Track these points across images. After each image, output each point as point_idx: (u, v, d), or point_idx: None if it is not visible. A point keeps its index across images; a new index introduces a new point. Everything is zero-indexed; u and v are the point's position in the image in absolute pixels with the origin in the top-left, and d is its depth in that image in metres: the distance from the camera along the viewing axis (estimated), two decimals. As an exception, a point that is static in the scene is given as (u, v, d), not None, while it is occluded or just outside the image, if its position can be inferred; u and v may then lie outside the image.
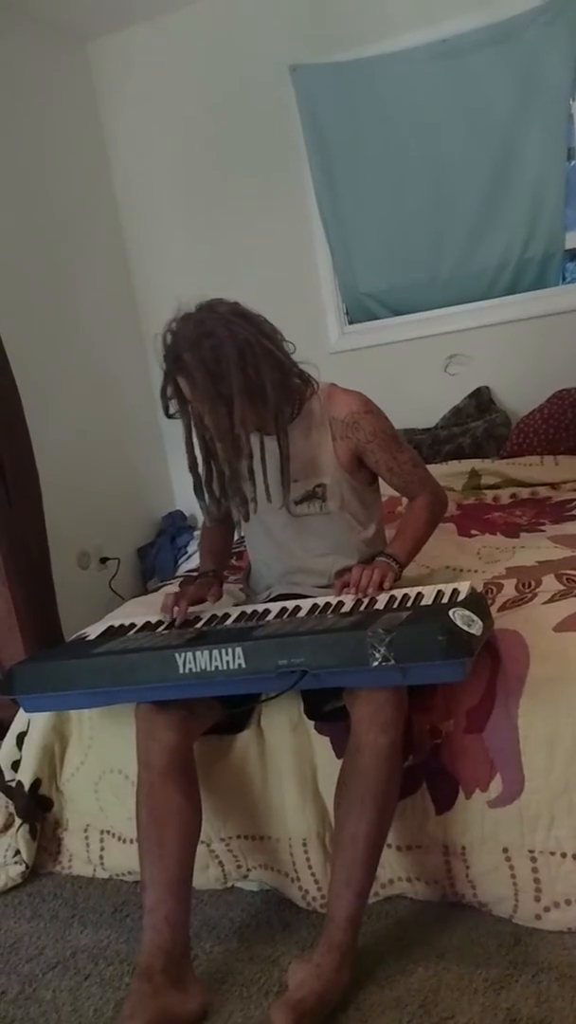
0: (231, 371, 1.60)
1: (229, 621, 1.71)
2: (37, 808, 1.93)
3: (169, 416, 1.70)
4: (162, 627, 1.75)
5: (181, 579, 2.33)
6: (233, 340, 1.61)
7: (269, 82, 3.44)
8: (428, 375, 3.50)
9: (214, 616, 1.75)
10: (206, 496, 1.78)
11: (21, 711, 1.97)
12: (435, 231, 3.42)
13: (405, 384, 3.35)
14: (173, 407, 1.69)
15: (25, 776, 1.93)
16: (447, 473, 2.93)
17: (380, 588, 1.65)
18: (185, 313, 1.66)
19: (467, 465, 3.06)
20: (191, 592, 1.81)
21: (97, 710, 1.85)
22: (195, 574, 2.00)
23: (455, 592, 1.60)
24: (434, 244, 3.43)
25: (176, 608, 1.76)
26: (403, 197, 3.42)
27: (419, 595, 1.62)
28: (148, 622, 1.80)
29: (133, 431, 3.87)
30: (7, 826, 2.02)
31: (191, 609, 1.78)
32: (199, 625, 1.72)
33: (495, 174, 3.29)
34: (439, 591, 1.62)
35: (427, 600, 1.59)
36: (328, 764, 1.67)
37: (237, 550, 2.58)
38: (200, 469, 1.74)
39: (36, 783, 1.92)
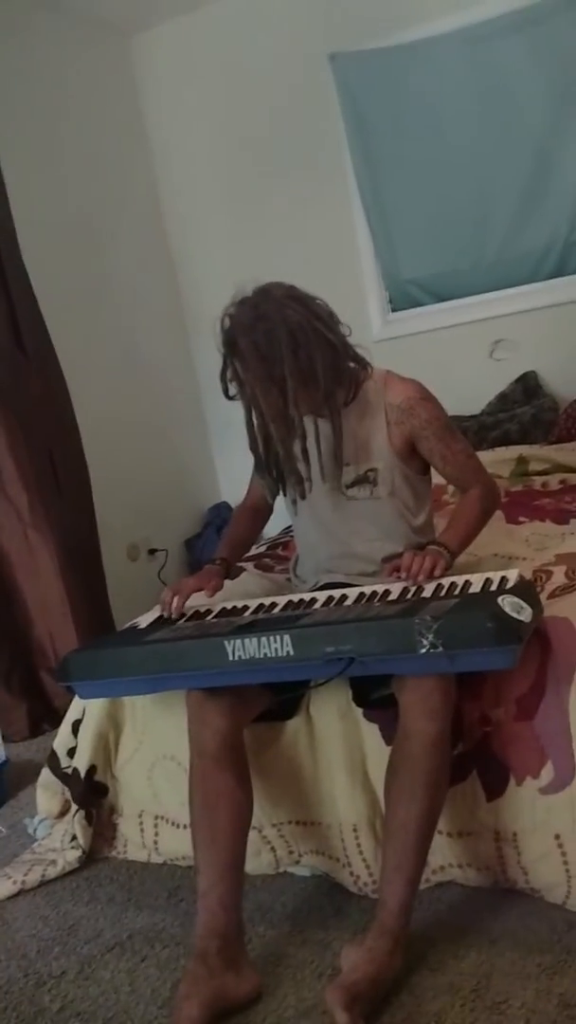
0: (283, 354, 1.62)
1: (277, 609, 1.73)
2: (92, 794, 1.97)
3: (229, 398, 1.74)
4: (184, 619, 1.78)
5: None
6: (285, 323, 1.63)
7: (309, 70, 3.44)
8: (473, 361, 3.47)
9: (261, 604, 1.77)
10: (265, 475, 1.81)
11: (76, 700, 2.01)
12: (478, 215, 3.38)
13: (450, 371, 3.31)
14: (233, 389, 1.72)
15: (81, 763, 1.97)
16: (494, 460, 2.91)
17: (431, 576, 1.65)
18: (242, 298, 1.69)
19: (514, 451, 3.02)
20: (189, 584, 1.84)
21: (149, 698, 1.89)
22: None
23: (504, 580, 1.59)
24: (477, 228, 3.40)
25: (174, 602, 1.79)
26: (445, 182, 3.39)
27: (467, 583, 1.61)
28: (197, 611, 1.82)
29: (178, 425, 3.91)
30: (63, 812, 2.07)
31: (201, 603, 1.80)
32: (210, 618, 1.74)
33: (538, 156, 3.25)
34: (487, 579, 1.61)
35: (475, 588, 1.58)
36: (377, 751, 1.68)
37: (283, 540, 2.60)
38: (259, 449, 1.76)
39: (91, 770, 1.96)
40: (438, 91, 3.31)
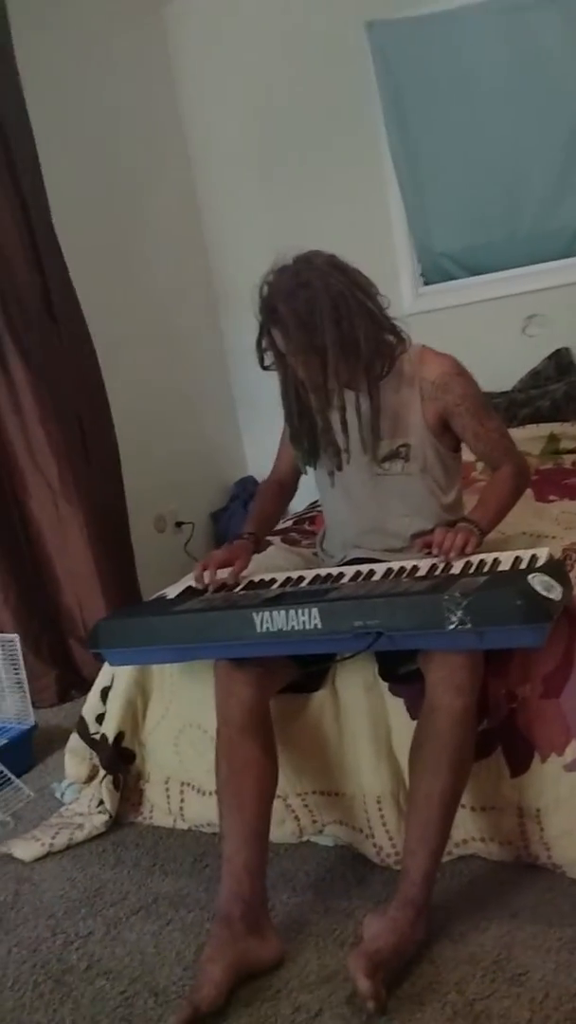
0: (325, 323, 1.60)
1: (305, 583, 1.73)
2: (120, 760, 2.01)
3: (264, 368, 1.72)
4: (212, 590, 1.78)
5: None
6: (327, 292, 1.61)
7: (344, 38, 3.38)
8: (505, 337, 3.43)
9: (289, 578, 1.78)
10: (301, 446, 1.80)
11: (105, 667, 2.04)
12: (513, 188, 3.33)
13: (481, 346, 3.24)
14: (268, 359, 1.71)
15: (109, 729, 2.00)
16: (525, 437, 2.88)
17: (462, 553, 1.64)
18: (282, 265, 1.67)
19: (545, 429, 3.00)
20: (219, 557, 1.83)
21: (177, 667, 1.91)
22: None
23: (534, 558, 1.59)
24: (512, 201, 3.34)
25: (206, 574, 1.78)
26: (480, 154, 3.34)
27: (496, 561, 1.61)
28: (225, 583, 1.83)
29: (206, 398, 3.91)
30: (91, 777, 2.11)
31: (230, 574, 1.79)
32: (238, 590, 1.74)
33: (575, 128, 3.17)
34: (517, 557, 1.61)
35: (505, 566, 1.58)
36: (402, 725, 1.69)
37: (310, 515, 2.60)
38: (295, 420, 1.76)
39: (119, 736, 1.99)
40: (475, 61, 3.24)
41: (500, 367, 3.31)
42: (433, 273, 3.59)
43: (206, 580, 1.80)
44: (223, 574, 1.80)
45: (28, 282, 2.75)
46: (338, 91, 3.49)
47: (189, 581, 1.96)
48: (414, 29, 3.27)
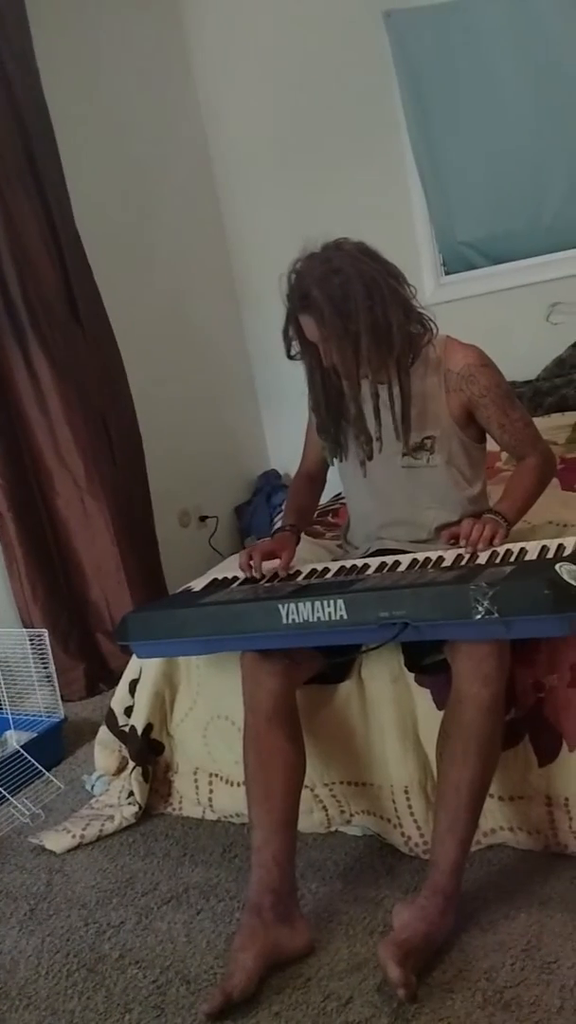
0: (359, 309, 1.60)
1: (330, 575, 1.74)
2: (149, 752, 2.03)
3: (290, 357, 1.71)
4: (238, 582, 1.79)
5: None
6: (361, 277, 1.60)
7: (363, 26, 3.36)
8: (529, 325, 3.40)
9: (314, 570, 1.78)
10: (328, 437, 1.79)
11: (133, 659, 2.06)
12: (535, 176, 3.30)
13: (505, 335, 3.24)
14: (295, 348, 1.70)
15: (138, 721, 2.02)
16: (550, 426, 2.86)
17: (490, 544, 1.63)
18: (311, 252, 1.66)
19: (571, 418, 2.98)
20: (264, 546, 1.83)
21: (204, 659, 1.92)
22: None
23: (560, 547, 1.58)
24: (534, 189, 3.31)
25: (251, 563, 1.78)
26: (501, 142, 3.31)
27: (523, 550, 1.60)
28: (276, 573, 1.81)
29: (228, 392, 3.92)
30: (120, 769, 2.13)
31: (275, 566, 1.79)
32: (263, 582, 1.74)
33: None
34: (543, 546, 1.60)
35: (531, 555, 1.57)
36: (429, 715, 1.69)
37: (334, 508, 2.60)
38: (322, 410, 1.75)
39: (148, 728, 2.01)
40: (494, 49, 3.21)
41: (524, 356, 3.29)
42: (455, 262, 3.57)
43: (253, 570, 1.78)
44: (268, 565, 1.80)
45: (53, 284, 2.77)
46: (357, 81, 3.48)
47: (215, 574, 1.97)
48: (433, 18, 3.25)
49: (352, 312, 1.59)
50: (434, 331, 1.78)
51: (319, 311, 1.61)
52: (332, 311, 1.59)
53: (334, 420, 1.77)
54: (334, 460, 1.92)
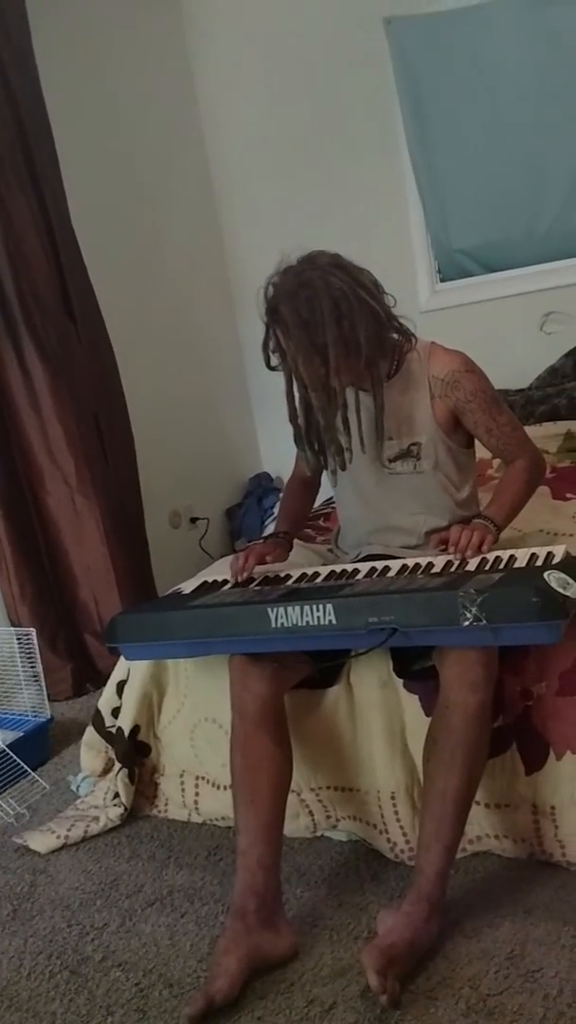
0: (325, 322, 1.61)
1: (319, 579, 1.74)
2: (135, 754, 2.02)
3: (271, 368, 1.72)
4: (228, 585, 1.80)
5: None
6: (328, 291, 1.61)
7: (362, 34, 3.37)
8: (523, 334, 3.41)
9: (304, 574, 1.78)
10: (304, 447, 1.81)
11: (121, 661, 2.05)
12: (532, 185, 3.31)
13: (498, 344, 3.27)
14: (274, 360, 1.71)
15: (125, 723, 2.01)
16: (542, 435, 2.87)
17: (479, 550, 1.64)
18: (286, 266, 1.68)
19: (563, 427, 2.98)
20: (258, 550, 1.85)
21: (192, 662, 1.92)
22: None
23: (550, 555, 1.59)
24: (531, 198, 3.33)
25: (244, 567, 1.80)
26: (499, 150, 3.32)
27: (512, 558, 1.61)
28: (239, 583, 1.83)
29: (221, 394, 3.92)
30: (106, 770, 2.12)
31: (266, 568, 1.81)
32: (253, 586, 1.75)
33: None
34: (533, 554, 1.60)
35: (521, 563, 1.58)
36: (417, 721, 1.69)
37: (324, 512, 2.61)
38: (299, 420, 1.76)
39: (135, 730, 2.00)
40: (494, 57, 3.23)
41: (517, 364, 3.30)
42: (450, 270, 3.58)
43: (245, 572, 1.80)
44: (259, 568, 1.82)
45: (47, 280, 2.76)
46: (357, 87, 3.49)
47: (204, 576, 1.97)
48: (433, 25, 3.26)
49: (318, 325, 1.61)
50: (414, 339, 1.79)
51: (284, 325, 1.63)
52: (298, 324, 1.61)
53: (312, 430, 1.78)
54: (312, 470, 1.93)
